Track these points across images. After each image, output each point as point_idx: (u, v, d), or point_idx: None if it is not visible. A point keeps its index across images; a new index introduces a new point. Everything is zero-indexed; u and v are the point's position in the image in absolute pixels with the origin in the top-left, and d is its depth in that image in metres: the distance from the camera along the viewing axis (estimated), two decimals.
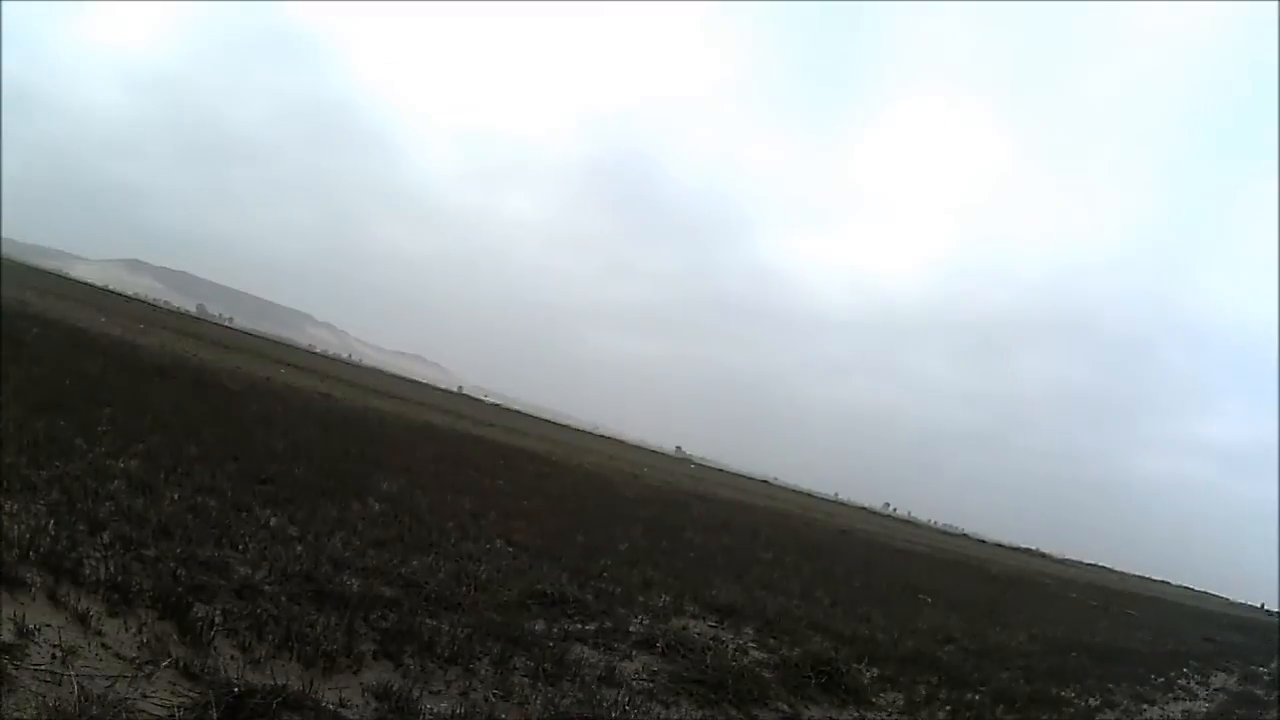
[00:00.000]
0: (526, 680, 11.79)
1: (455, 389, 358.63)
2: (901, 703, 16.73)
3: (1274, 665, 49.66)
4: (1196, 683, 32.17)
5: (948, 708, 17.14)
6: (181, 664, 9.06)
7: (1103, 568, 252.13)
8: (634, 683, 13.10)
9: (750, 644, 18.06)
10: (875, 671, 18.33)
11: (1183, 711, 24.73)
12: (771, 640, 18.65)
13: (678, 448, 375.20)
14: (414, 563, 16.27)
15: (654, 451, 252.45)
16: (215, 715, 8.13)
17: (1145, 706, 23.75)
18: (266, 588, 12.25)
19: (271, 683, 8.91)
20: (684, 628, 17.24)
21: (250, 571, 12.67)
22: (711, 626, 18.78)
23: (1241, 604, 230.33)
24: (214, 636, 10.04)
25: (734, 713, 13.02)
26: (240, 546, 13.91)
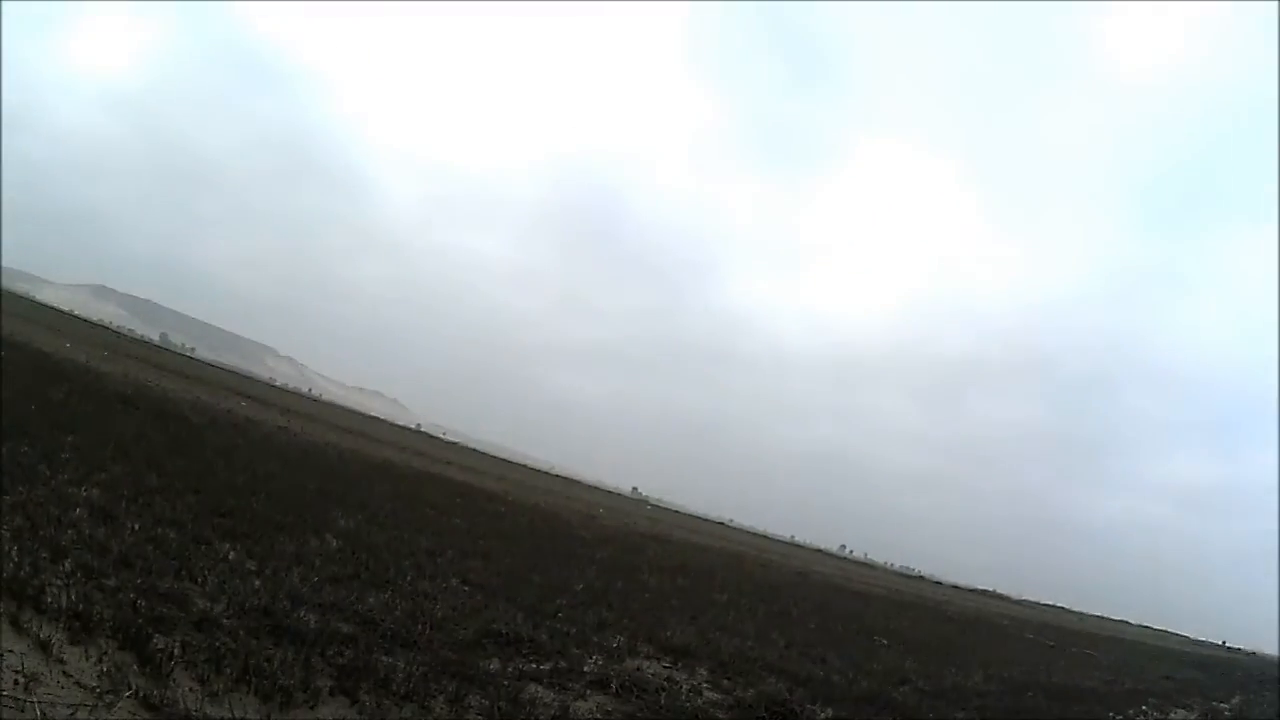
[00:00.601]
0: (481, 718, 11.80)
1: (413, 426, 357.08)
2: None
3: (1235, 701, 49.79)
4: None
5: None
6: (141, 695, 9.06)
7: (1060, 608, 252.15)
8: None
9: (705, 685, 18.05)
10: (830, 712, 18.34)
11: None
12: (726, 681, 18.65)
13: (634, 488, 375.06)
14: (370, 600, 16.24)
15: (610, 492, 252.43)
16: None
17: None
18: (225, 621, 12.24)
19: (229, 716, 8.93)
20: (638, 668, 17.23)
21: (209, 604, 12.66)
22: (666, 667, 18.73)
23: (1203, 641, 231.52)
24: (173, 668, 10.03)
25: None
26: (199, 579, 13.89)
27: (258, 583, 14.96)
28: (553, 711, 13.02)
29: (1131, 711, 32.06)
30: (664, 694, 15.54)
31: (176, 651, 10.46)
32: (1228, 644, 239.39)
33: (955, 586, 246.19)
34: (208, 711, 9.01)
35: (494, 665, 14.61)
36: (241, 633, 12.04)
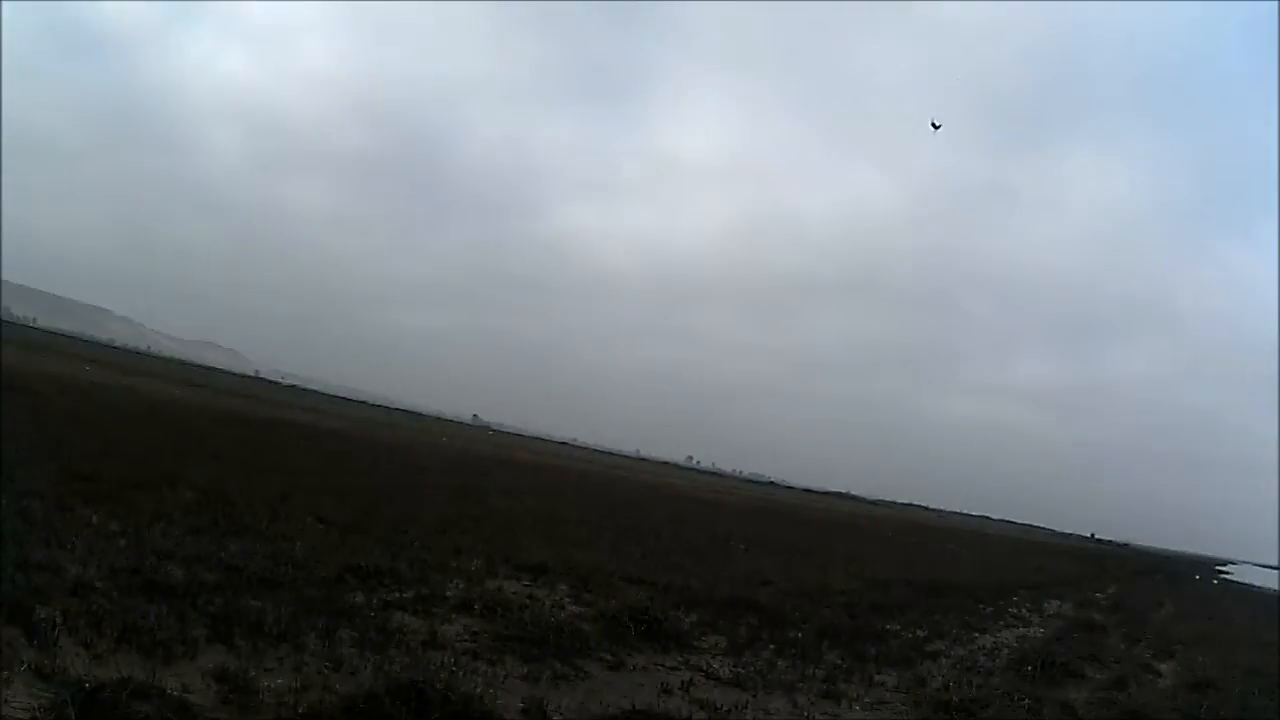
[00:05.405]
0: (354, 650, 11.78)
1: (252, 373, 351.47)
2: (724, 644, 16.98)
3: (1111, 591, 51.15)
4: (1029, 610, 32.91)
5: (771, 646, 17.41)
6: (34, 666, 8.88)
7: (919, 506, 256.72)
8: (457, 644, 13.18)
9: (566, 599, 18.21)
10: (694, 617, 18.56)
11: (1017, 637, 25.32)
12: (587, 595, 18.82)
13: (474, 415, 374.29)
14: (232, 547, 16.01)
15: (451, 421, 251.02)
16: (73, 713, 8.01)
17: (976, 635, 24.23)
18: (98, 584, 11.99)
19: (117, 675, 8.79)
20: (499, 589, 17.30)
21: (81, 570, 12.36)
22: (526, 586, 18.88)
23: (1070, 534, 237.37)
24: (58, 636, 9.83)
25: (559, 665, 13.16)
26: (69, 546, 13.52)
27: (123, 543, 14.70)
28: (422, 637, 13.05)
29: (1003, 602, 32.65)
30: (527, 611, 15.64)
31: (59, 620, 10.27)
32: (1096, 536, 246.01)
33: (808, 490, 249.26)
34: (96, 673, 8.86)
35: (359, 598, 14.59)
36: (115, 593, 11.82)
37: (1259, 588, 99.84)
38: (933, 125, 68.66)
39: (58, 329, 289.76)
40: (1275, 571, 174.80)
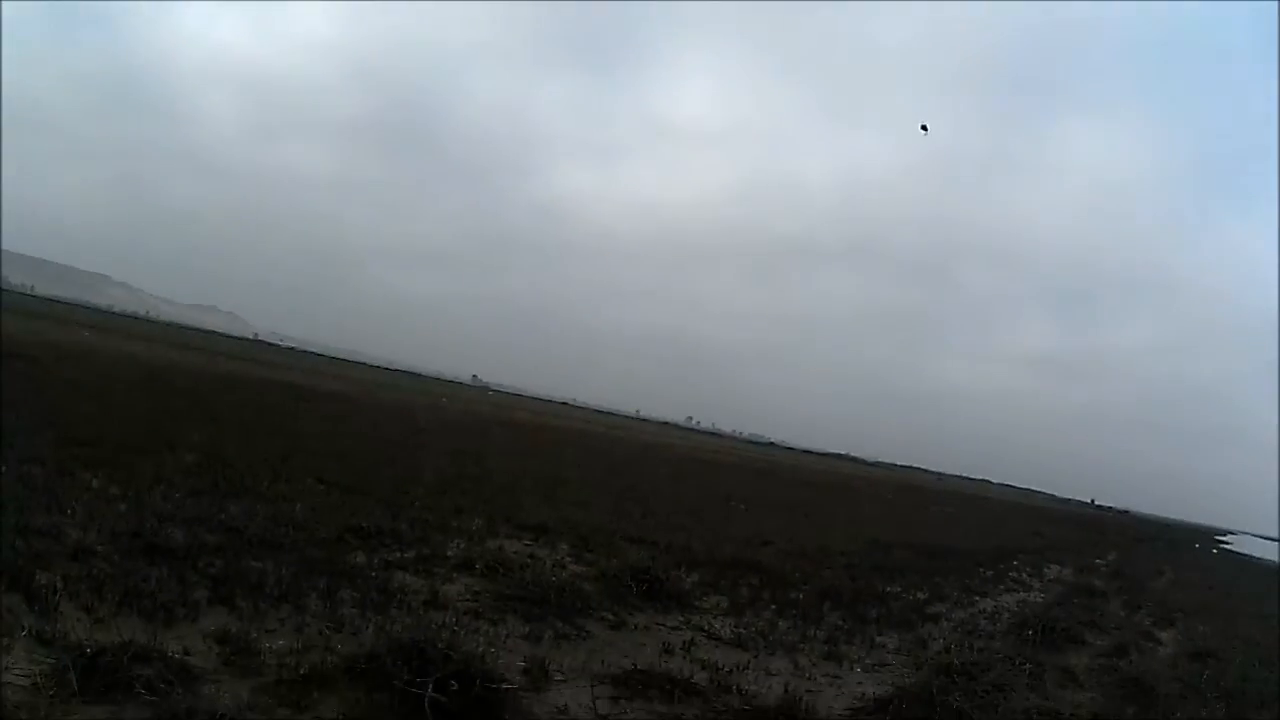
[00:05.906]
0: (355, 611, 11.79)
1: (251, 336, 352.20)
2: (726, 605, 17.00)
3: (1111, 557, 51.22)
4: (1029, 574, 32.93)
5: (772, 606, 17.44)
6: (34, 632, 8.87)
7: (918, 469, 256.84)
8: (459, 604, 13.19)
9: (567, 559, 18.27)
10: (696, 577, 18.59)
11: (1017, 602, 25.32)
12: (588, 554, 18.88)
13: (474, 376, 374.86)
14: (232, 509, 15.97)
15: (451, 382, 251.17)
16: (74, 678, 8.00)
17: (977, 598, 24.24)
18: (99, 548, 11.98)
19: (118, 639, 8.76)
20: (500, 548, 17.30)
21: (82, 534, 12.37)
22: (527, 545, 18.93)
23: (1070, 500, 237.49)
24: (59, 601, 9.83)
25: (560, 625, 13.17)
26: (69, 511, 13.48)
27: (123, 507, 14.69)
28: (423, 597, 13.06)
29: (1003, 566, 32.70)
30: (529, 570, 15.65)
31: (59, 585, 10.27)
32: (1096, 501, 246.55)
33: (808, 451, 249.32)
34: (97, 637, 8.83)
35: (360, 559, 14.59)
36: (116, 557, 11.82)
37: (1259, 558, 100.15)
38: (922, 129, 69.68)
39: (56, 296, 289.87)
40: (1274, 543, 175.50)
